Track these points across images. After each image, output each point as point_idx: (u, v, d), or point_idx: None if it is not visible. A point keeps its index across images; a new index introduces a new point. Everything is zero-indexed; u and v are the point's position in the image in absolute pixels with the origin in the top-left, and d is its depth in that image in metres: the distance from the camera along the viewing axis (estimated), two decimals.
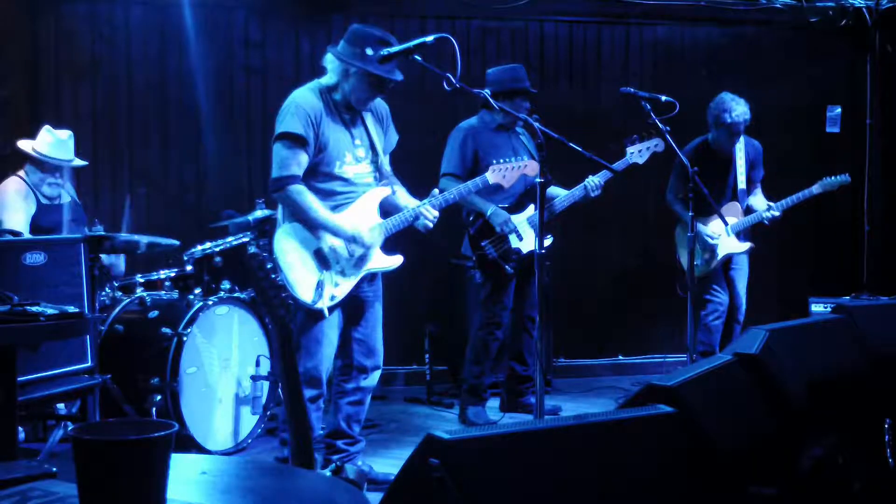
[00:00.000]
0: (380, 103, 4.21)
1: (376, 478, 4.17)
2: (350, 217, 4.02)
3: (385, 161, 4.24)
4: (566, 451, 1.76)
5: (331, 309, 3.99)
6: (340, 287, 4.02)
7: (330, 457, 4.18)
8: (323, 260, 3.99)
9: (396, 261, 4.17)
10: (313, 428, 4.11)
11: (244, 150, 6.42)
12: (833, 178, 5.68)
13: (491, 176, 4.32)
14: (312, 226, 3.96)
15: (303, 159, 3.93)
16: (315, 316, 3.97)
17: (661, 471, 1.90)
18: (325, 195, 3.99)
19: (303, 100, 3.98)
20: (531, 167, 4.31)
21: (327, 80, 4.05)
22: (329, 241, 3.99)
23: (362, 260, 4.06)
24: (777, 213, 5.60)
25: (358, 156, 4.09)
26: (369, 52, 3.93)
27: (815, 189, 5.66)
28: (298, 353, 4.02)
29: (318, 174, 3.99)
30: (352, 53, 3.96)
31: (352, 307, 4.13)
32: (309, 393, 4.03)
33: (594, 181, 5.23)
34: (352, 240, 4.00)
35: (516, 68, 5.46)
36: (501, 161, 4.36)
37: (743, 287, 5.84)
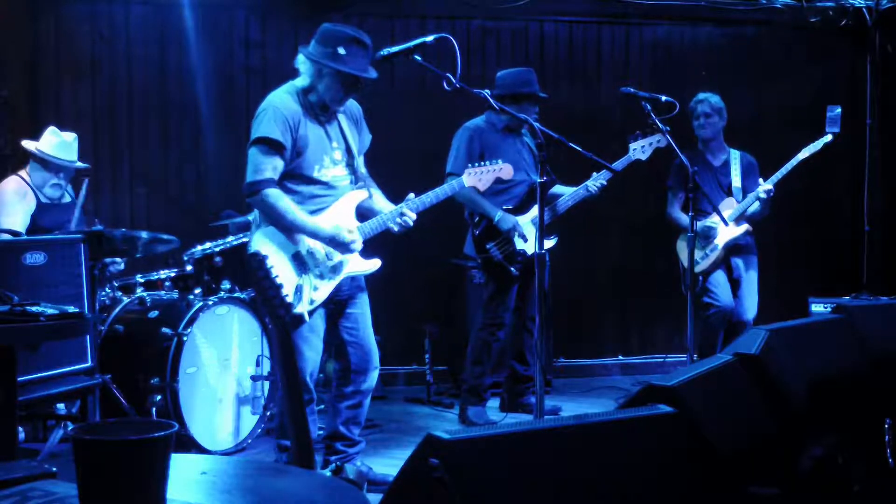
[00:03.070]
0: (352, 104, 4.17)
1: (375, 478, 4.16)
2: (328, 219, 3.98)
3: (360, 162, 4.21)
4: (566, 451, 1.76)
5: (310, 313, 3.93)
6: (319, 291, 3.97)
7: (328, 457, 4.17)
8: (301, 263, 3.94)
9: (374, 264, 4.12)
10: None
11: (244, 150, 6.40)
12: (815, 142, 5.65)
13: (467, 179, 4.25)
14: (290, 229, 3.91)
15: (278, 164, 3.89)
16: (298, 319, 3.90)
17: (661, 471, 1.89)
18: (303, 199, 3.94)
19: (280, 103, 3.94)
20: (506, 170, 4.27)
21: (301, 81, 4.02)
22: (307, 244, 3.95)
23: (340, 263, 4.01)
24: (770, 187, 5.55)
25: (335, 158, 4.05)
26: (341, 51, 3.91)
27: (801, 155, 5.62)
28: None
29: (297, 178, 3.95)
30: (323, 53, 3.93)
31: (335, 310, 4.09)
32: None
33: (596, 183, 5.24)
34: (332, 239, 3.93)
35: (525, 72, 5.43)
36: (477, 165, 4.30)
37: (752, 305, 5.71)
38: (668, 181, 5.83)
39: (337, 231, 3.93)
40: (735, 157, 5.82)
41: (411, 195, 4.11)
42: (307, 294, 3.92)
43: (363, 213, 4.13)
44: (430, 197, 4.15)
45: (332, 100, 3.98)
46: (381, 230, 4.07)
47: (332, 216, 4.00)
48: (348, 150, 4.12)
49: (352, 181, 4.14)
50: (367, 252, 4.11)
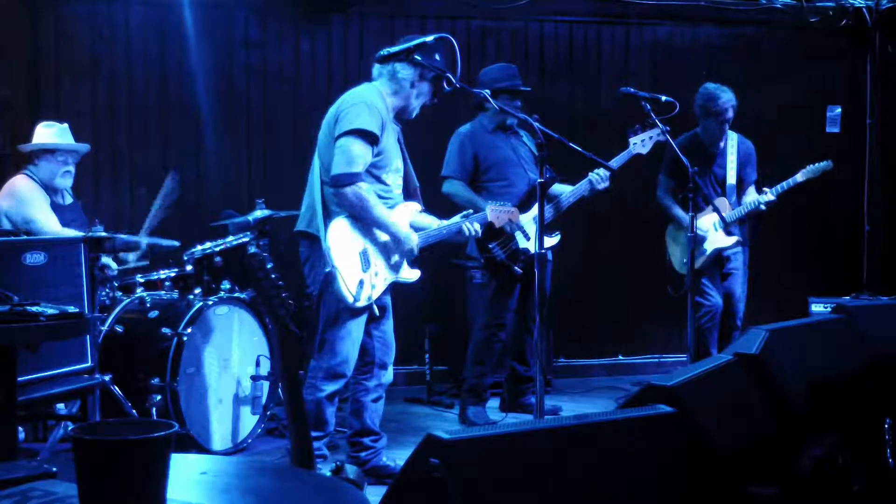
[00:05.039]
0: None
1: (394, 471, 4.21)
2: (402, 224, 4.13)
3: (413, 176, 4.35)
4: (566, 451, 1.76)
5: (364, 308, 4.06)
6: (376, 289, 4.10)
7: (358, 454, 4.23)
8: (367, 260, 4.06)
9: (417, 274, 4.30)
10: (328, 423, 4.13)
11: (244, 150, 6.41)
12: (815, 165, 5.65)
13: (489, 214, 4.49)
14: (371, 223, 4.02)
15: (368, 159, 3.98)
16: (351, 312, 4.02)
17: (660, 471, 1.89)
18: None
19: (375, 101, 4.02)
20: (514, 215, 4.62)
21: (385, 86, 4.10)
22: (377, 244, 4.08)
23: (397, 266, 4.19)
24: (773, 197, 5.55)
25: (397, 166, 4.19)
26: (438, 57, 4.04)
27: (799, 177, 5.61)
28: (322, 348, 4.06)
29: (368, 175, 4.04)
30: (429, 58, 4.02)
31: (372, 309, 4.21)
32: (331, 388, 4.07)
33: (599, 174, 5.18)
34: (402, 241, 4.09)
35: (502, 67, 5.45)
36: (499, 204, 4.59)
37: (740, 293, 5.77)
38: (661, 167, 5.82)
39: (409, 236, 4.11)
40: (733, 141, 5.74)
41: (470, 211, 4.44)
42: (366, 291, 4.04)
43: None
44: (478, 219, 4.43)
45: (419, 106, 4.17)
46: (436, 241, 4.28)
47: (403, 224, 4.14)
48: (405, 161, 4.26)
49: (403, 191, 4.27)
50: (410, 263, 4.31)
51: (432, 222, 4.31)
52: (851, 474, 2.67)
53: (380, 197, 4.07)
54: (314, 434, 4.13)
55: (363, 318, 4.12)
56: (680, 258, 5.79)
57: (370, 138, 3.95)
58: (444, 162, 5.40)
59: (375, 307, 4.11)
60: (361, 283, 4.00)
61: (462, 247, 5.50)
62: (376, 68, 4.15)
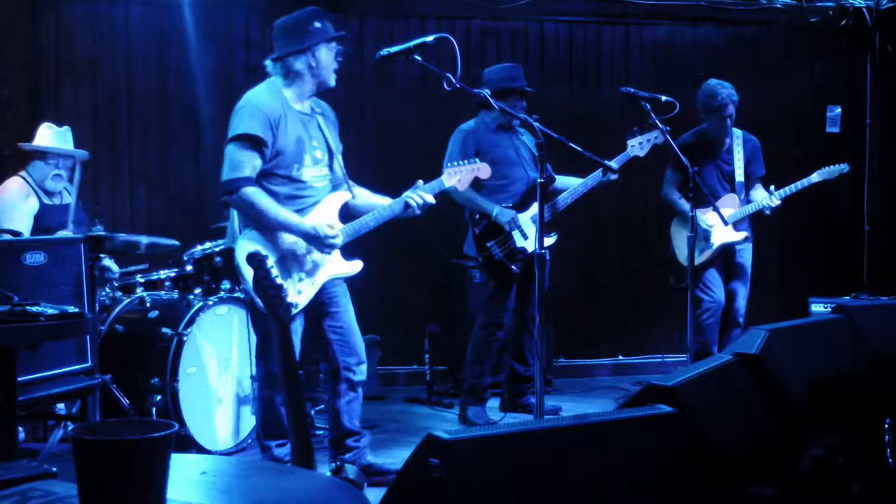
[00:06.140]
0: (329, 108, 4.19)
1: (381, 469, 4.17)
2: (310, 219, 3.95)
3: (340, 163, 4.17)
4: (566, 451, 1.76)
5: (294, 316, 3.92)
6: (303, 294, 3.96)
7: (343, 456, 4.17)
8: (285, 267, 3.91)
9: (356, 266, 4.10)
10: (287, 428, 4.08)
11: None
12: (832, 167, 5.66)
13: (446, 178, 4.27)
14: (271, 228, 3.86)
15: (257, 163, 3.84)
16: None
17: (661, 471, 1.89)
18: (281, 200, 3.90)
19: (260, 101, 3.90)
20: (483, 170, 4.36)
21: (281, 80, 3.99)
22: (289, 247, 3.92)
23: (320, 264, 4.00)
24: (778, 202, 5.55)
25: (316, 157, 4.03)
26: (318, 24, 3.93)
27: (815, 177, 5.61)
28: (262, 358, 4.02)
29: (276, 177, 3.91)
30: (306, 37, 3.92)
31: (317, 312, 4.06)
32: (276, 394, 4.00)
33: (613, 165, 5.09)
34: (313, 236, 3.89)
35: (510, 67, 5.46)
36: (455, 164, 4.34)
37: (743, 291, 5.77)
38: (668, 162, 5.81)
39: (317, 228, 3.89)
40: (738, 139, 5.74)
41: (420, 181, 4.14)
42: (291, 298, 3.91)
43: (351, 214, 4.12)
44: (427, 189, 4.14)
45: (330, 75, 4.00)
46: (368, 230, 4.06)
47: (316, 218, 3.98)
48: (329, 151, 4.10)
49: (331, 181, 4.12)
50: (349, 254, 4.10)
51: (380, 201, 4.11)
52: (851, 474, 2.67)
53: (295, 197, 3.94)
54: (277, 442, 4.09)
55: (296, 326, 3.96)
56: (685, 251, 5.79)
57: (253, 142, 3.82)
58: (445, 157, 5.38)
59: (302, 313, 3.94)
60: (284, 291, 3.90)
61: (460, 246, 5.50)
62: (269, 65, 4.03)
